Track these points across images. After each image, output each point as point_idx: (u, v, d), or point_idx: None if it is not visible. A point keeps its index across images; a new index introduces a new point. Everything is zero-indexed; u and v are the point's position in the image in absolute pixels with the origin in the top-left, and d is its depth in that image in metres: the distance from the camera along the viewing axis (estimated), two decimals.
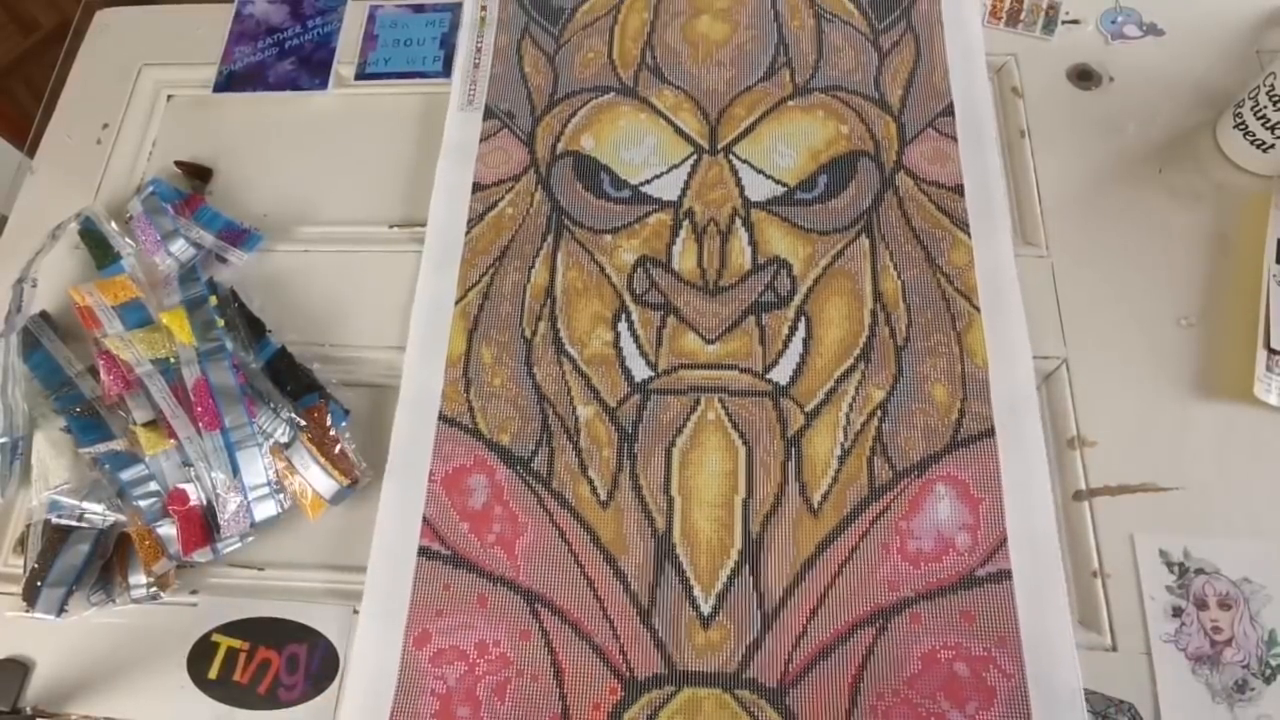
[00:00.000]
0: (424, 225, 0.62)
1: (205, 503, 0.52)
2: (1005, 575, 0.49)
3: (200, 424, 0.52)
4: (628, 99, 0.65)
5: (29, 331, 0.59)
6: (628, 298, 0.58)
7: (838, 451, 0.53)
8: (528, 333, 0.58)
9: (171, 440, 0.52)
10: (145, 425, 0.53)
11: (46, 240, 0.63)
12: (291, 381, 0.56)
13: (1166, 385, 0.54)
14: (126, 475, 0.52)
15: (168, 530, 0.51)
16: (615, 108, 0.65)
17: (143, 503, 0.51)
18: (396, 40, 0.71)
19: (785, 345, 0.56)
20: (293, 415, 0.53)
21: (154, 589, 0.52)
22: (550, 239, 0.60)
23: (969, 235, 0.58)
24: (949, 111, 0.62)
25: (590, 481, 0.53)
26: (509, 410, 0.55)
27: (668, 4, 0.69)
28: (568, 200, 0.62)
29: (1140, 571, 0.49)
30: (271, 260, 0.63)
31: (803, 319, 0.56)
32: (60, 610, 0.51)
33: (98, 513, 0.52)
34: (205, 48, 0.72)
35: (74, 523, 0.52)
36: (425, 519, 0.53)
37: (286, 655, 0.51)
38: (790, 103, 0.64)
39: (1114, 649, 0.48)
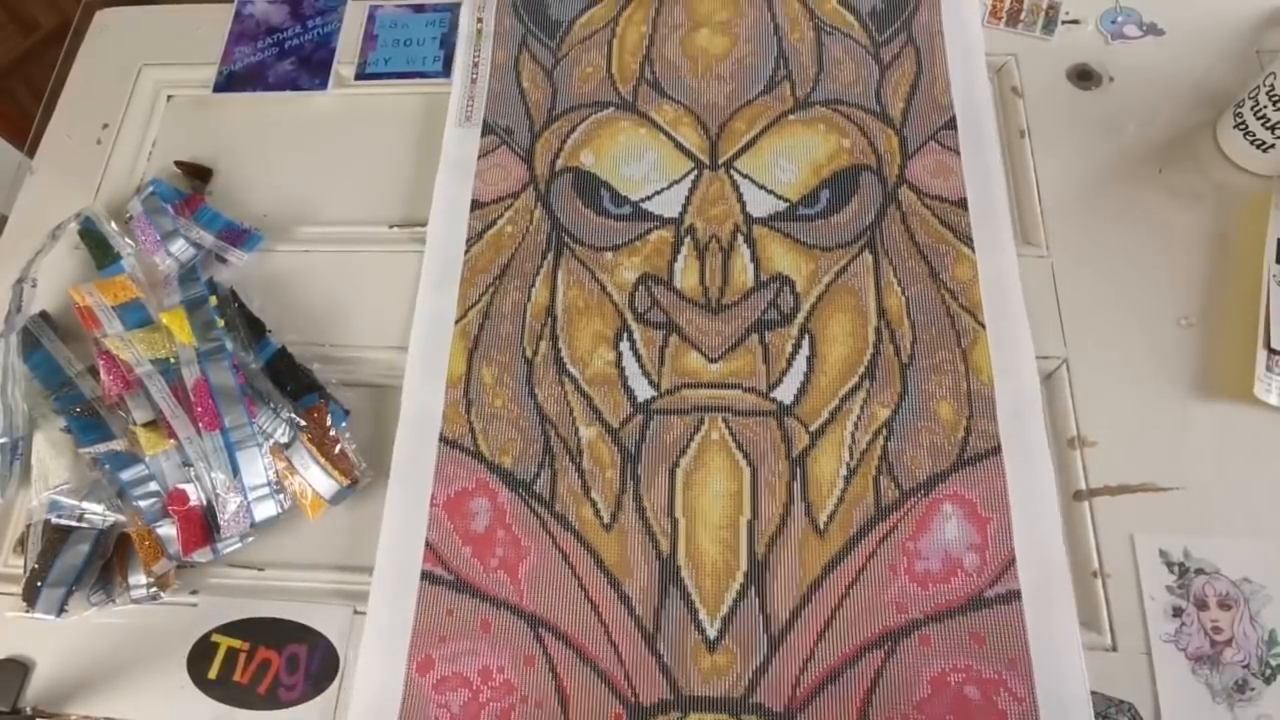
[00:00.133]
0: (424, 225, 0.62)
1: (205, 503, 0.52)
2: (1014, 596, 0.48)
3: (200, 424, 0.52)
4: (627, 114, 0.65)
5: (29, 331, 0.59)
6: (629, 316, 0.57)
7: (843, 471, 0.52)
8: (529, 353, 0.57)
9: (171, 440, 0.52)
10: (145, 425, 0.52)
11: (46, 240, 0.63)
12: (291, 381, 0.56)
13: (1166, 385, 0.54)
14: (126, 475, 0.52)
15: (168, 530, 0.51)
16: (615, 123, 0.64)
17: (143, 503, 0.51)
18: (396, 40, 0.71)
19: (789, 363, 0.55)
20: (293, 415, 0.53)
21: (154, 589, 0.52)
22: (550, 257, 0.60)
23: (973, 249, 0.57)
24: (951, 124, 0.62)
25: (593, 503, 0.52)
26: (510, 432, 0.55)
27: (666, 17, 0.68)
28: (567, 217, 0.61)
29: (1140, 571, 0.49)
30: (271, 260, 0.63)
31: (806, 337, 0.56)
32: (60, 610, 0.51)
33: (98, 513, 0.52)
34: (205, 48, 0.72)
35: (74, 523, 0.52)
36: (428, 543, 0.52)
37: (286, 655, 0.51)
38: (791, 116, 0.63)
39: (1114, 649, 0.48)
